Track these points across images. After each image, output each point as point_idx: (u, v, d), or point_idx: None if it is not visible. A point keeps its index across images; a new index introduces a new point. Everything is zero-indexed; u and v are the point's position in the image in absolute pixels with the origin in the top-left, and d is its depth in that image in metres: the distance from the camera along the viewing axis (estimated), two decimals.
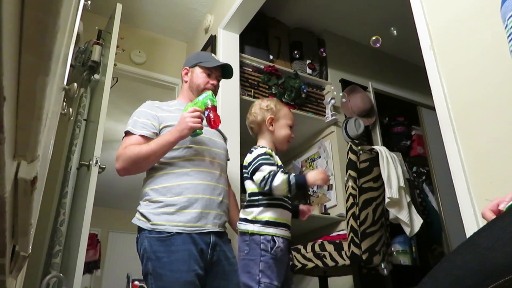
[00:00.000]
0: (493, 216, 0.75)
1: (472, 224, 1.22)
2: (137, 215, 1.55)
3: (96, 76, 2.71)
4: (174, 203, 1.48)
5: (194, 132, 1.52)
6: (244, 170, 1.53)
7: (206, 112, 1.52)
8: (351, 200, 2.13)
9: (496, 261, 0.57)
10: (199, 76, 1.75)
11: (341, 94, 3.19)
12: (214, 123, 1.49)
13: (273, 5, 3.19)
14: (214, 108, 1.52)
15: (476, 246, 0.62)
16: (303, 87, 3.04)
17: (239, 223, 1.49)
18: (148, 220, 1.48)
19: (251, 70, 2.95)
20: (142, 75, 3.32)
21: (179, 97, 1.86)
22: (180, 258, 1.40)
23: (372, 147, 2.35)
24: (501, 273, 0.55)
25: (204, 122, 1.53)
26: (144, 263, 1.46)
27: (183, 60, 2.02)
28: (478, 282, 0.57)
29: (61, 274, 1.99)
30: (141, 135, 1.57)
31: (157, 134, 1.60)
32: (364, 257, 2.01)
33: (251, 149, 1.55)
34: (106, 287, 6.80)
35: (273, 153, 1.55)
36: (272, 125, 1.59)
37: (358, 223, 2.08)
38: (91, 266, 5.54)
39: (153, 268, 1.41)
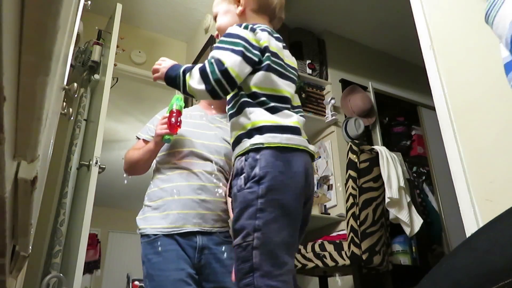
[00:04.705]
0: None
1: (472, 224, 1.22)
2: None
3: (96, 76, 2.71)
4: (156, 207, 1.52)
5: (164, 138, 1.50)
6: None
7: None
8: (351, 200, 2.14)
9: (495, 264, 0.57)
10: None
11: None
12: (171, 128, 1.47)
13: None
14: (177, 112, 1.50)
15: (475, 249, 0.61)
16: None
17: None
18: (137, 226, 1.54)
19: None
20: (142, 75, 3.32)
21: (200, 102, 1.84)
22: (167, 257, 1.43)
23: (372, 147, 2.35)
24: (500, 276, 0.55)
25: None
26: (142, 267, 1.49)
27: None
28: (477, 285, 0.57)
29: (61, 274, 1.99)
30: (143, 140, 1.64)
31: None
32: (364, 257, 2.01)
33: None
34: (106, 287, 6.80)
35: None
36: None
37: (358, 223, 2.08)
38: (91, 266, 5.53)
39: (147, 270, 1.45)
